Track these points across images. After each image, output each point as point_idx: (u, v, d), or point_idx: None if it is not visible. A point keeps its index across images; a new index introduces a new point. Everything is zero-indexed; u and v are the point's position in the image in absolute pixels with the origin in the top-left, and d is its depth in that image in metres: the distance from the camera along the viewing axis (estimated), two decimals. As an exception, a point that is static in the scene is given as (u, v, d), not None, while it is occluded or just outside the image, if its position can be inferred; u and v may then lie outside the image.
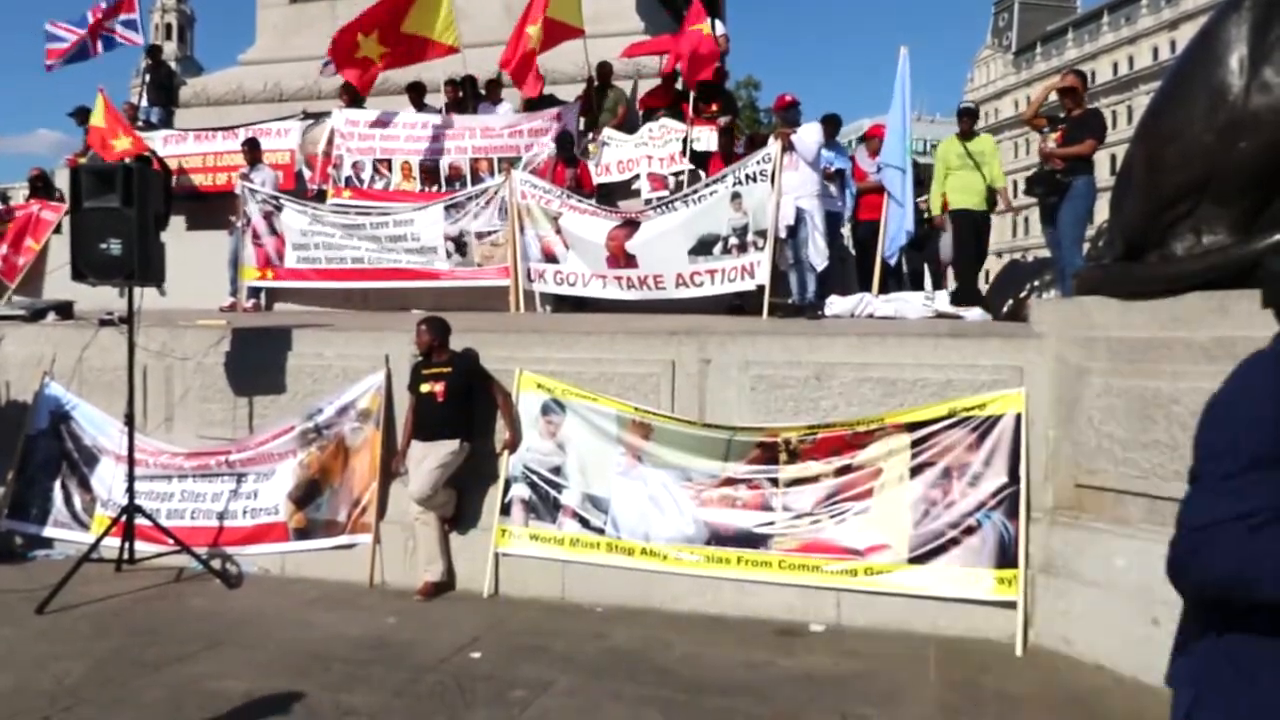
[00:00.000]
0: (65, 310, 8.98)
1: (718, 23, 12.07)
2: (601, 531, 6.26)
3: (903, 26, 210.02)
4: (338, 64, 10.45)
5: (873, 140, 10.37)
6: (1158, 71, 61.19)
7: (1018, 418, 5.52)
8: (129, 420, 6.82)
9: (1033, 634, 5.32)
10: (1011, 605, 5.34)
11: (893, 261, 9.14)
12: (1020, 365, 5.69)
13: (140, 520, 6.77)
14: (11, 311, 8.91)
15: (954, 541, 5.52)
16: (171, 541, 6.77)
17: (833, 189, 9.40)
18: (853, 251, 10.33)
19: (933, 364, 5.87)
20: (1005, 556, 5.41)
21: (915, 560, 5.57)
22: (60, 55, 13.04)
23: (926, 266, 10.50)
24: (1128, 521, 5.15)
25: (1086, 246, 7.91)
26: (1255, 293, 5.06)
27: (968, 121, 9.42)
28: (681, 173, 9.87)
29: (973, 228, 9.05)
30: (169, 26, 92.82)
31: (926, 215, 10.20)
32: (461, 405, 6.52)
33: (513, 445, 6.54)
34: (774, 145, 8.19)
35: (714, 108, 10.39)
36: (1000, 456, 5.52)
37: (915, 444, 5.67)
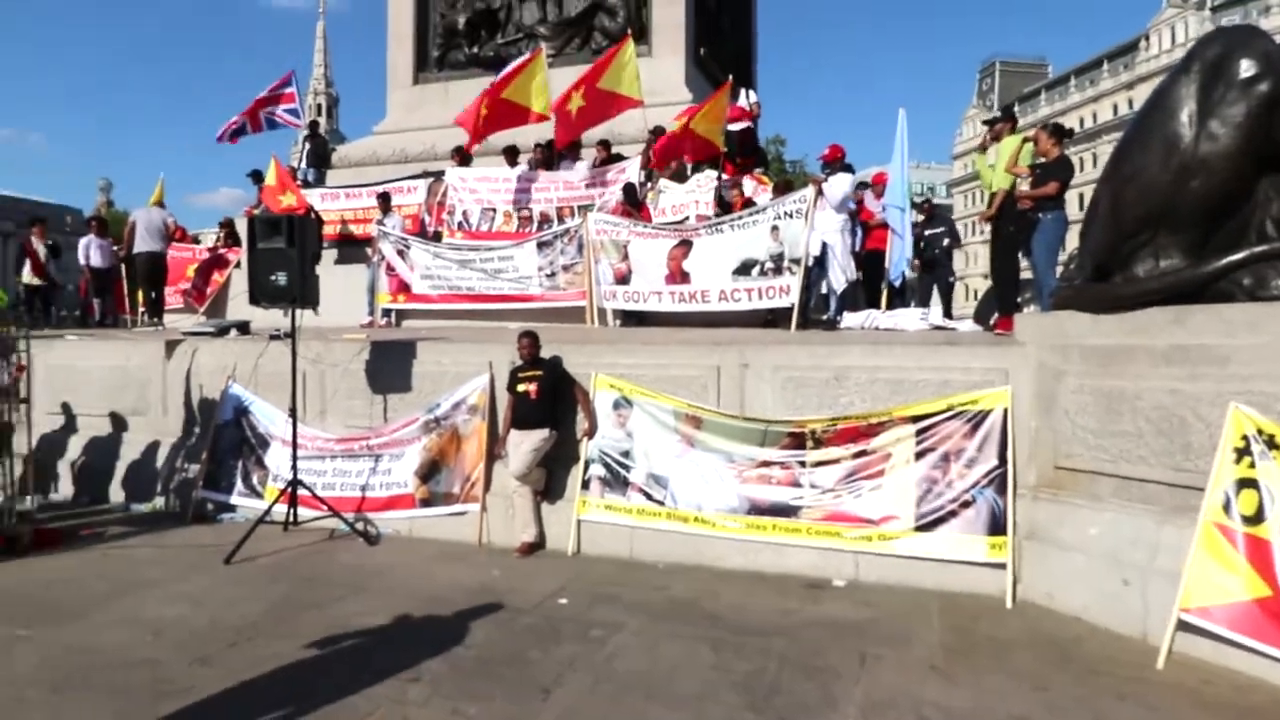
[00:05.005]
0: (244, 328, 9.24)
1: (751, 92, 12.08)
2: (662, 503, 6.25)
3: (902, 88, 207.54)
4: (460, 122, 10.71)
5: (876, 186, 10.27)
6: (1118, 124, 59.38)
7: (1005, 411, 5.39)
8: (292, 413, 7.00)
9: (1020, 590, 5.19)
10: (1002, 566, 5.22)
11: (897, 283, 9.01)
12: (1006, 368, 5.56)
13: (301, 491, 6.93)
14: (202, 329, 9.21)
15: (953, 513, 5.40)
16: (325, 508, 6.91)
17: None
18: (859, 275, 10.21)
19: (933, 367, 5.77)
20: (996, 526, 5.28)
21: (920, 529, 5.47)
22: (227, 131, 13.64)
23: (936, 287, 10.29)
24: (1099, 497, 4.99)
25: (1059, 270, 7.69)
26: (1207, 306, 4.92)
27: (996, 130, 8.30)
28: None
29: (993, 240, 8.16)
30: (318, 105, 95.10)
31: (945, 243, 10.07)
32: (550, 402, 6.57)
33: (591, 433, 6.57)
34: (809, 190, 8.19)
35: (746, 161, 10.39)
36: (991, 443, 5.39)
37: (919, 433, 5.56)
